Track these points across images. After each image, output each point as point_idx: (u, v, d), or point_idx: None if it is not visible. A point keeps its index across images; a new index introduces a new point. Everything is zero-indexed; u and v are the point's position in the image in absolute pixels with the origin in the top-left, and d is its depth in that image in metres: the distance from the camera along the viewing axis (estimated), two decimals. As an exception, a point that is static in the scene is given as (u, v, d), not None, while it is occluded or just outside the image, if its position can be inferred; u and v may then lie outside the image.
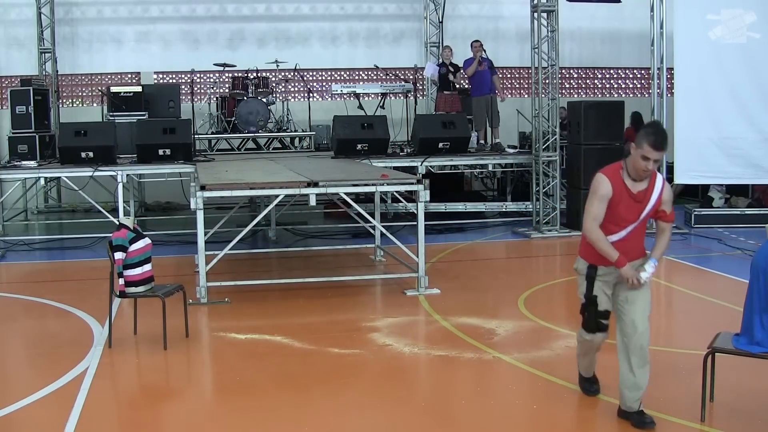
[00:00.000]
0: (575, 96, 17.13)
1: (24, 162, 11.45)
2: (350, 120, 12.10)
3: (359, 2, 16.50)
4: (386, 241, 9.51)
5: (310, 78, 15.94)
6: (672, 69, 12.07)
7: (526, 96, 16.25)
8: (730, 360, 4.95)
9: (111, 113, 12.94)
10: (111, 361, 6.24)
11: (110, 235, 6.61)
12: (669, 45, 12.02)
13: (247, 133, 13.58)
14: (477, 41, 12.86)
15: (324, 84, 16.26)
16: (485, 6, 16.88)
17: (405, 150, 12.59)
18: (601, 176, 4.78)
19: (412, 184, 8.35)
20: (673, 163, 12.11)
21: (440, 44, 15.71)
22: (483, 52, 12.64)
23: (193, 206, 7.87)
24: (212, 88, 14.50)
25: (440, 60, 13.83)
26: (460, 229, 12.40)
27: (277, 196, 8.56)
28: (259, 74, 13.98)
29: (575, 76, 17.51)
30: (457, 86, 13.53)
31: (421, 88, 14.23)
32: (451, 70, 13.06)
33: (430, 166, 11.94)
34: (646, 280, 4.71)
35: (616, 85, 17.72)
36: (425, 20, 16.61)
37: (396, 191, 9.89)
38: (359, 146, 11.68)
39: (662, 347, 6.55)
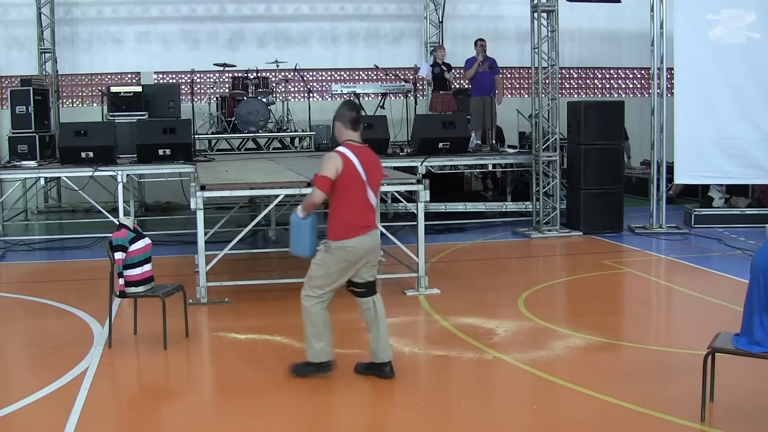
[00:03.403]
0: (575, 96, 17.13)
1: (24, 162, 11.44)
2: (350, 120, 12.07)
3: (359, 2, 16.50)
4: (386, 241, 9.46)
5: (310, 78, 15.94)
6: (672, 69, 12.06)
7: (526, 96, 16.25)
8: (730, 360, 4.95)
9: (111, 113, 12.93)
10: (111, 361, 6.24)
11: (110, 235, 6.61)
12: (669, 45, 12.02)
13: (247, 133, 13.57)
14: (482, 40, 12.81)
15: (324, 84, 16.26)
16: (485, 6, 16.87)
17: (405, 150, 12.58)
18: None
19: (412, 184, 8.35)
20: (673, 163, 12.11)
21: (440, 44, 15.71)
22: (484, 52, 12.64)
23: (193, 206, 7.87)
24: (212, 88, 14.49)
25: (434, 60, 13.84)
26: (460, 229, 12.40)
27: (277, 196, 8.57)
28: (259, 74, 13.97)
29: (575, 76, 17.51)
30: (452, 86, 13.49)
31: (421, 88, 14.23)
32: (445, 69, 13.07)
33: (430, 166, 11.94)
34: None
35: (616, 85, 17.72)
36: (425, 20, 16.61)
37: (396, 191, 9.88)
38: (359, 146, 11.65)
39: (662, 347, 6.56)
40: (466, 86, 13.58)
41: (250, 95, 13.66)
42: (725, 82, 11.90)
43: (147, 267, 6.52)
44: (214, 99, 14.29)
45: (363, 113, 13.30)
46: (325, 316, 5.63)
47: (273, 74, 14.60)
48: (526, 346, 6.47)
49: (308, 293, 5.60)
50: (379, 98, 14.45)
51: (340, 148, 5.61)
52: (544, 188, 11.95)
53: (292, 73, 14.82)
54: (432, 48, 15.53)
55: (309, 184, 8.09)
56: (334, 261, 5.52)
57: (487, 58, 12.68)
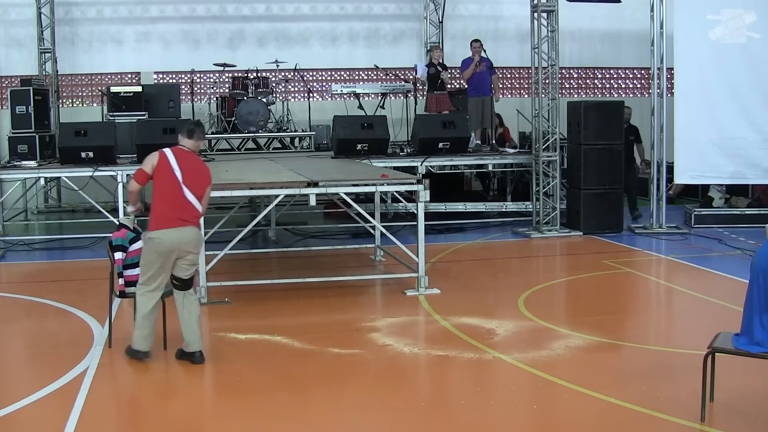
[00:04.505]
0: (575, 96, 17.13)
1: (24, 162, 11.44)
2: (350, 120, 12.10)
3: (359, 2, 16.50)
4: (386, 241, 9.51)
5: (310, 78, 15.94)
6: (672, 69, 12.07)
7: (526, 96, 16.25)
8: (730, 360, 4.95)
9: (111, 113, 12.93)
10: (111, 361, 6.24)
11: (110, 235, 6.61)
12: (669, 45, 12.02)
13: (247, 133, 13.57)
14: (477, 41, 12.83)
15: (324, 84, 16.26)
16: (485, 6, 16.88)
17: (405, 150, 12.58)
18: None
19: (412, 184, 8.34)
20: (673, 163, 12.11)
21: (440, 44, 15.72)
22: (483, 52, 12.65)
23: (193, 206, 7.85)
24: (212, 88, 14.49)
25: (429, 60, 13.83)
26: (460, 229, 12.40)
27: (277, 196, 8.56)
28: (259, 74, 13.98)
29: (575, 76, 17.51)
30: (448, 86, 13.50)
31: (421, 88, 14.23)
32: (441, 69, 13.06)
33: (430, 166, 11.94)
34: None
35: (616, 85, 17.72)
36: (425, 20, 16.61)
37: (396, 191, 9.88)
38: (359, 146, 11.68)
39: (662, 347, 6.56)
40: (466, 86, 13.58)
41: (250, 95, 13.67)
42: (725, 82, 11.90)
43: (147, 267, 6.51)
44: (214, 99, 14.30)
45: (363, 113, 13.49)
46: (150, 309, 6.04)
47: (273, 74, 14.60)
48: (526, 346, 6.47)
49: (139, 284, 6.10)
50: (379, 98, 14.44)
51: (163, 149, 6.10)
52: (544, 188, 11.95)
53: (292, 73, 14.82)
54: (430, 48, 15.56)
55: (309, 184, 8.12)
56: (148, 251, 6.04)
57: (485, 58, 12.68)
